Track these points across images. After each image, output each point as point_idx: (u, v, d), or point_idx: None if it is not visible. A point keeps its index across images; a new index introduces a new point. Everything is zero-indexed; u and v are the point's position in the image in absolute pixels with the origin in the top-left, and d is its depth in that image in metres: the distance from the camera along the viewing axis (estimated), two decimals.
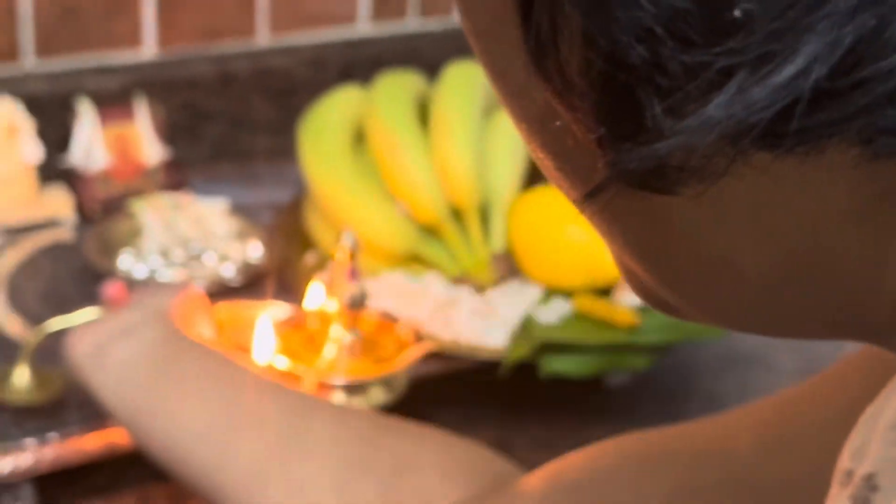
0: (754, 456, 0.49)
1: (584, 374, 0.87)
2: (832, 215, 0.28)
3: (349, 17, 1.30)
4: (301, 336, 0.80)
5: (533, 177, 1.02)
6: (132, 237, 1.00)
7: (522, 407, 0.92)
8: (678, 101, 0.26)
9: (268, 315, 0.81)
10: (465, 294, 0.93)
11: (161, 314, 0.74)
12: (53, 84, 1.14)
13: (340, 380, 0.77)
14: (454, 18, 1.37)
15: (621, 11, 0.25)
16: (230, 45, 1.24)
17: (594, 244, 0.92)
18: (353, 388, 0.78)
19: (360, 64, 1.29)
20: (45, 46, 1.15)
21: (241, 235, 1.01)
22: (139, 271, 0.96)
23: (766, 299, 0.31)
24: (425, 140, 0.95)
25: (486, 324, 0.90)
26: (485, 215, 0.97)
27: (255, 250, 0.99)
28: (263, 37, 1.26)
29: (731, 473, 0.50)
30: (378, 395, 0.79)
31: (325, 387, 0.77)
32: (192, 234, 0.99)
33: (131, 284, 0.89)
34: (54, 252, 0.99)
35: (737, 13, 0.25)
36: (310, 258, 0.99)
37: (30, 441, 0.78)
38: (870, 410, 0.34)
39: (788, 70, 0.24)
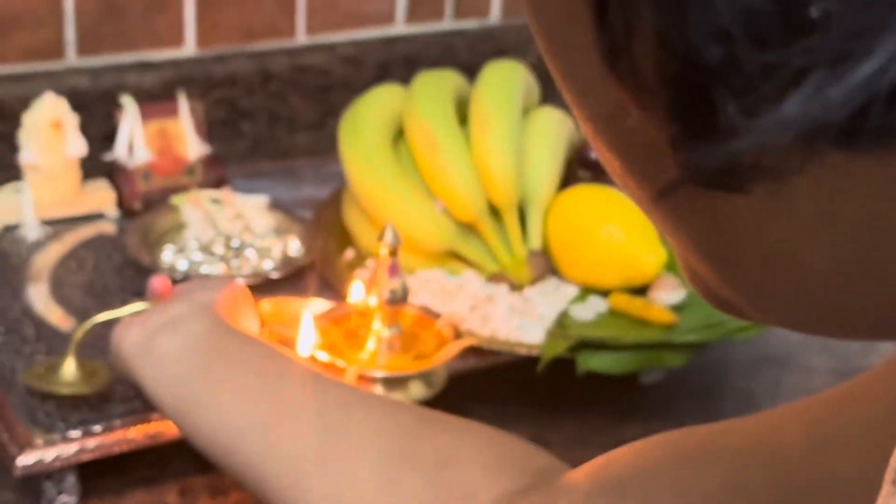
0: (801, 453, 0.48)
1: (620, 372, 0.88)
2: None
3: (387, 18, 1.31)
4: (342, 331, 0.81)
5: (570, 176, 1.03)
6: (173, 232, 1.01)
7: (557, 404, 0.93)
8: (753, 100, 0.26)
9: (309, 310, 0.82)
10: (502, 291, 0.94)
11: (207, 307, 0.75)
12: (96, 80, 1.16)
13: (380, 374, 0.78)
14: (490, 19, 1.37)
15: (696, 12, 0.26)
16: (269, 43, 1.25)
17: (630, 244, 0.93)
18: (393, 383, 0.79)
19: (396, 62, 1.30)
20: (89, 43, 1.17)
21: (281, 231, 1.02)
22: (181, 265, 0.97)
23: (833, 299, 0.31)
24: (464, 138, 0.96)
25: (523, 321, 0.91)
26: (522, 214, 0.98)
27: (294, 246, 1.00)
28: (301, 35, 1.27)
29: (777, 471, 0.49)
30: (417, 390, 0.79)
31: (365, 381, 0.78)
32: (232, 229, 1.00)
33: (174, 279, 0.91)
34: (96, 246, 1.01)
35: (813, 12, 0.25)
36: (349, 254, 1.00)
37: (73, 431, 0.79)
38: None
39: (865, 69, 0.24)
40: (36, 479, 0.79)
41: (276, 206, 1.05)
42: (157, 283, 0.80)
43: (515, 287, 0.95)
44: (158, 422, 0.80)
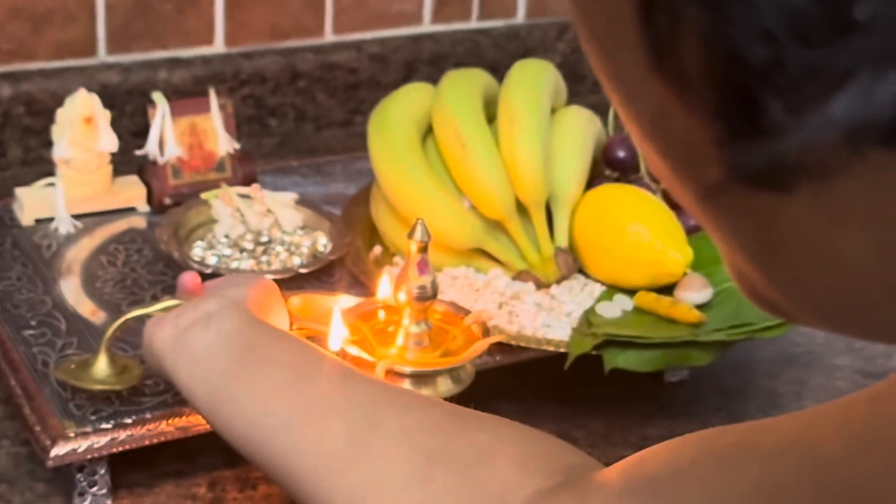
0: (836, 453, 0.48)
1: (647, 370, 0.88)
2: None
3: (414, 17, 1.32)
4: (370, 327, 0.82)
5: (597, 175, 1.03)
6: (203, 227, 1.02)
7: (582, 401, 0.93)
8: (798, 100, 0.26)
9: (338, 306, 0.82)
10: (528, 289, 0.95)
11: (238, 304, 0.74)
12: (127, 77, 1.17)
13: (409, 370, 0.78)
14: (516, 18, 1.38)
15: (740, 13, 0.26)
16: (297, 41, 1.26)
17: (657, 243, 0.93)
18: (422, 379, 0.79)
19: (422, 61, 1.31)
20: (120, 40, 1.18)
21: (310, 227, 1.03)
22: (211, 261, 0.98)
23: (878, 299, 0.31)
24: (493, 136, 0.97)
25: (550, 318, 0.91)
26: (549, 212, 0.98)
27: (323, 242, 1.01)
28: (329, 33, 1.28)
29: (812, 470, 0.49)
30: (446, 386, 0.79)
31: (393, 376, 0.78)
32: (262, 225, 1.01)
33: (203, 274, 0.91)
34: (127, 240, 1.01)
35: (858, 12, 0.25)
36: (377, 250, 1.01)
37: (105, 423, 0.79)
38: None
39: None
40: (67, 471, 0.80)
41: (305, 202, 1.05)
42: (188, 279, 0.80)
43: (542, 285, 0.96)
44: (189, 415, 0.80)
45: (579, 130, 1.01)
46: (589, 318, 0.91)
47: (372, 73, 1.29)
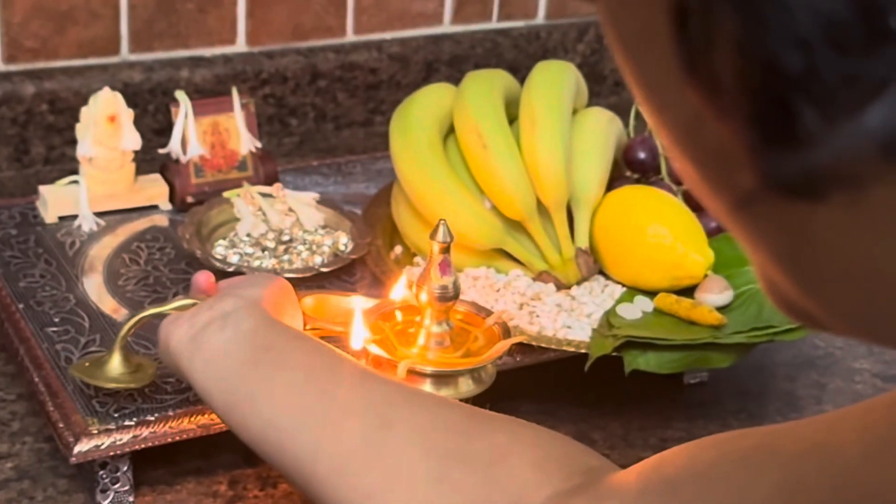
0: (857, 457, 0.48)
1: (667, 372, 0.88)
2: None
3: (434, 17, 1.32)
4: (391, 327, 0.82)
5: (617, 176, 1.03)
6: (225, 226, 1.02)
7: (601, 402, 0.93)
8: (833, 109, 0.26)
9: (358, 306, 0.82)
10: (549, 290, 0.95)
11: (254, 303, 0.74)
12: (150, 75, 1.17)
13: (430, 370, 0.79)
14: (536, 19, 1.38)
15: (776, 20, 0.26)
16: (318, 41, 1.26)
17: (678, 244, 0.93)
18: (443, 379, 0.79)
19: (443, 61, 1.31)
20: (142, 39, 1.18)
21: (331, 227, 1.03)
22: (232, 259, 0.98)
23: None
24: (514, 137, 0.97)
25: (570, 319, 0.92)
26: (569, 213, 0.98)
27: (344, 241, 1.02)
28: (350, 33, 1.28)
29: (832, 474, 0.49)
30: (467, 387, 0.80)
31: (415, 376, 0.78)
32: (283, 224, 1.02)
33: (224, 273, 0.92)
34: (149, 238, 1.02)
35: (893, 22, 0.25)
36: (398, 250, 1.01)
37: (128, 420, 0.80)
38: None
39: None
40: (90, 468, 0.80)
41: (326, 201, 1.06)
42: (201, 278, 0.80)
43: (562, 286, 0.96)
44: (211, 413, 0.81)
45: (600, 132, 1.01)
46: (609, 319, 0.91)
47: (392, 73, 1.30)
